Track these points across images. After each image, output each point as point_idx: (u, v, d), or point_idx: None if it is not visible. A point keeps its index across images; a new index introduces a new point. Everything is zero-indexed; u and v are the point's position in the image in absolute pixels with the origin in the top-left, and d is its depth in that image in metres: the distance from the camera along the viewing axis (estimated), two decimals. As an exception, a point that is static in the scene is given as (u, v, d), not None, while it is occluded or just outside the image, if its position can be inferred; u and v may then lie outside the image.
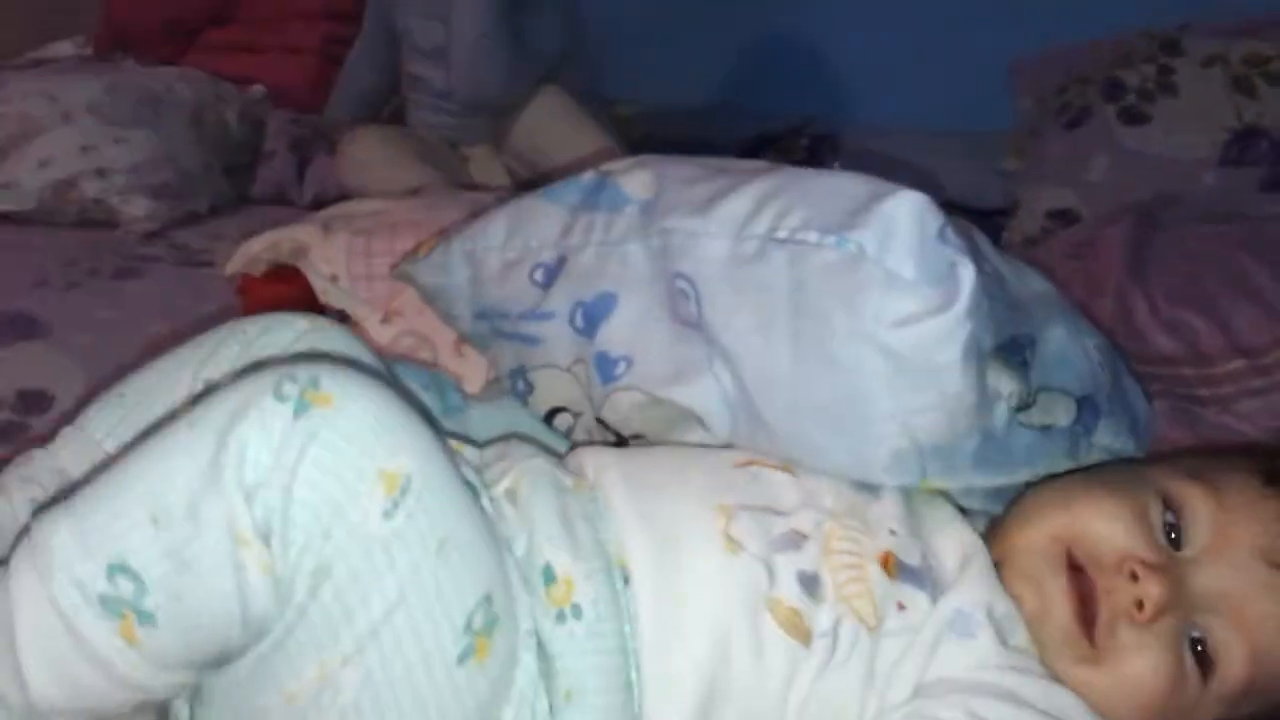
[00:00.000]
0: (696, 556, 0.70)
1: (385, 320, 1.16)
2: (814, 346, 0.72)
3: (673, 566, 0.70)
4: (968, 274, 0.68)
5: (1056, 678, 0.70)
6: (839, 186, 0.75)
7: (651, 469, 0.77)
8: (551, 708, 0.65)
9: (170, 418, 0.65)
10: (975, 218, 1.86)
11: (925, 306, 0.68)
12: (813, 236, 0.73)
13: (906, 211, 0.71)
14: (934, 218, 0.70)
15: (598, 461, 0.78)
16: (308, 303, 1.20)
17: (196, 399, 0.69)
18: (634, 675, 0.68)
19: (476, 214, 1.02)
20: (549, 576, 0.68)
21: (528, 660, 0.65)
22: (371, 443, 0.60)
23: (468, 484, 0.69)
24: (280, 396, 0.60)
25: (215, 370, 0.77)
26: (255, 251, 1.22)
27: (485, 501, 0.70)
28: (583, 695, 0.66)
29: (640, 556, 0.71)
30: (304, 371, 0.61)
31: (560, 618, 0.67)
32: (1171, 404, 1.18)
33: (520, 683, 0.65)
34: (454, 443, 0.79)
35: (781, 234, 0.74)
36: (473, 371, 1.10)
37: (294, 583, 0.59)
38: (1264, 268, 1.28)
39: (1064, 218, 1.67)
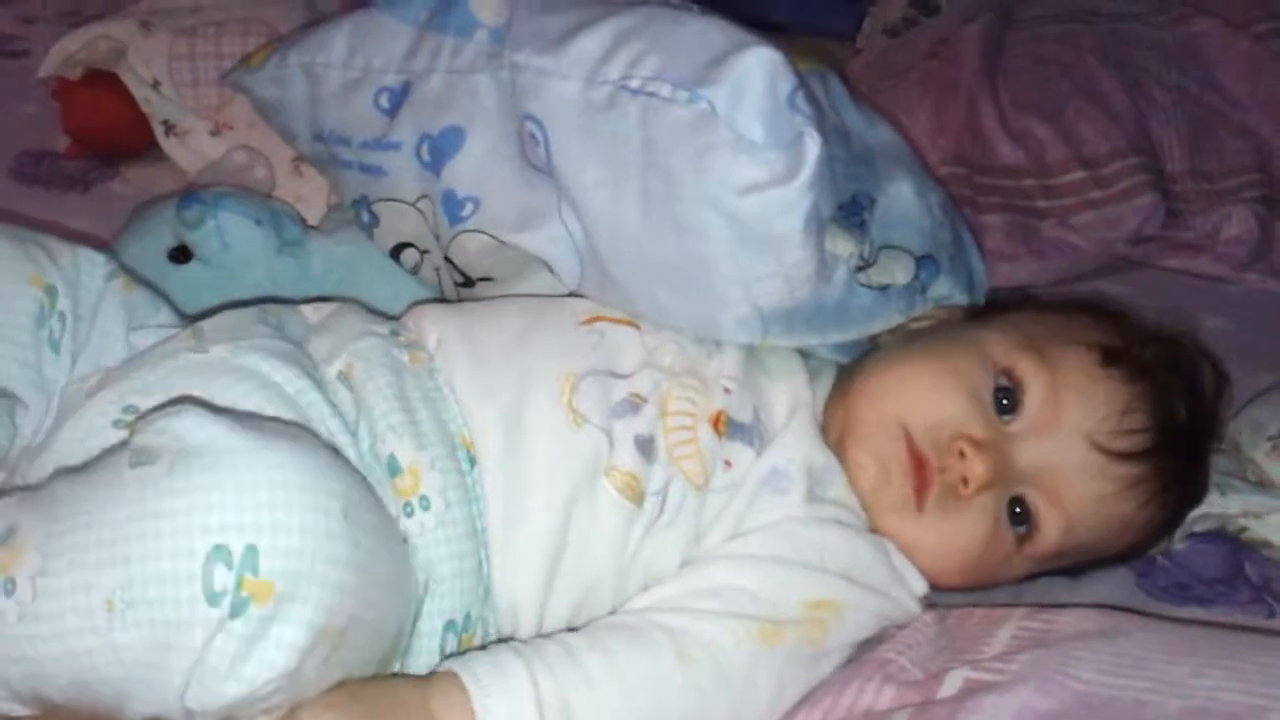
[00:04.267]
0: (541, 434, 0.71)
1: (215, 133, 1.11)
2: (661, 207, 0.71)
3: (517, 445, 0.70)
4: (813, 145, 0.67)
5: (873, 528, 0.75)
6: (697, 33, 0.73)
7: (495, 334, 0.76)
8: None
9: None
10: (840, 4, 1.81)
11: (770, 175, 0.67)
12: (665, 90, 0.70)
13: (760, 71, 0.68)
14: (786, 80, 0.69)
15: (440, 329, 0.77)
16: (130, 112, 1.12)
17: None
18: (483, 554, 0.69)
19: (312, 22, 0.96)
20: (394, 468, 0.67)
21: None
22: (320, 624, 0.55)
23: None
24: (213, 598, 0.52)
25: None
26: (70, 51, 1.13)
27: (316, 394, 0.68)
28: (439, 583, 0.67)
29: (485, 438, 0.71)
30: (236, 537, 0.53)
31: (408, 510, 0.67)
32: (1011, 218, 1.22)
33: None
34: (277, 309, 0.77)
35: (634, 83, 0.71)
36: (313, 191, 1.06)
37: None
38: (1111, 73, 1.31)
39: (924, 7, 1.64)
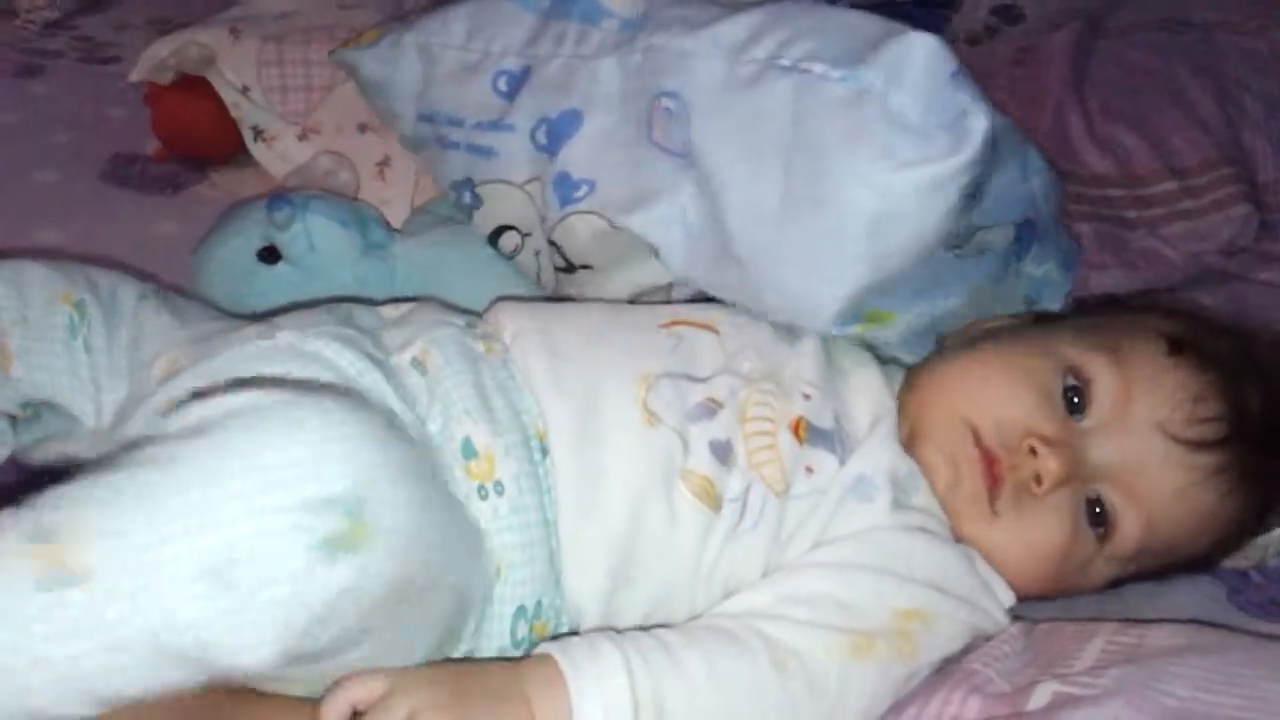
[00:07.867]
0: (615, 429, 0.70)
1: (302, 137, 1.12)
2: (806, 183, 0.70)
3: (591, 439, 0.70)
4: (979, 124, 0.67)
5: (956, 536, 0.73)
6: (848, 22, 0.73)
7: (572, 332, 0.76)
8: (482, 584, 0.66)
9: None
10: (919, 11, 1.80)
11: (928, 152, 0.67)
12: (818, 68, 0.70)
13: (919, 52, 0.68)
14: (947, 61, 0.68)
15: (517, 323, 0.77)
16: (219, 117, 1.14)
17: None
18: (554, 543, 0.69)
19: (430, 6, 0.97)
20: (469, 451, 0.68)
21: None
22: (390, 574, 0.55)
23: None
24: (318, 547, 0.52)
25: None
26: (161, 57, 1.15)
27: (377, 374, 0.69)
28: (511, 569, 0.67)
29: (558, 429, 0.70)
30: (321, 488, 0.52)
31: (482, 493, 0.67)
32: (1099, 227, 1.19)
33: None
34: (348, 306, 0.78)
35: (785, 61, 0.72)
36: (397, 194, 1.08)
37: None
38: (1201, 82, 1.28)
39: (1008, 14, 1.62)
